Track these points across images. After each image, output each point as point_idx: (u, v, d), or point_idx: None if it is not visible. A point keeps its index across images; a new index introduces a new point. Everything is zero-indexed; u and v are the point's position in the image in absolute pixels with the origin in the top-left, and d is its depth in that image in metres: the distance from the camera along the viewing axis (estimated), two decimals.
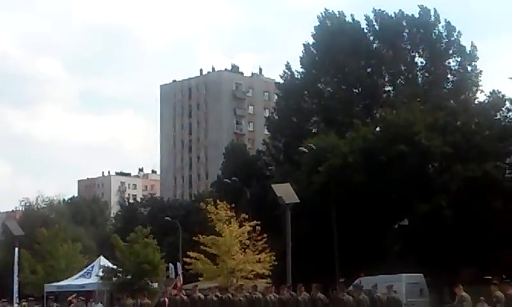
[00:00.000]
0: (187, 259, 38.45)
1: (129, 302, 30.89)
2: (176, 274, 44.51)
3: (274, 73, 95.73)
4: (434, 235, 42.73)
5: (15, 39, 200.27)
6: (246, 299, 26.14)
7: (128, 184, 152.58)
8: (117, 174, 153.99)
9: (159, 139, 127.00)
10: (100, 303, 32.37)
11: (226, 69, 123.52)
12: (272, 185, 33.83)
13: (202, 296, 27.00)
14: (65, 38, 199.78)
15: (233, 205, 38.65)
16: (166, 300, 28.06)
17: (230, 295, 26.67)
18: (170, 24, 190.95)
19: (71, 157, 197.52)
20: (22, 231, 47.71)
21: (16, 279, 41.63)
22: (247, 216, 37.78)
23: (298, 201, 31.53)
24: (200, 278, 38.77)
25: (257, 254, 36.88)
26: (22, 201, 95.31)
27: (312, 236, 44.82)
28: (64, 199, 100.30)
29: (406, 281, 34.39)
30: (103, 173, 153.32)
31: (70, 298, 38.58)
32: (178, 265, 42.27)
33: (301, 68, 62.50)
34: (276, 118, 65.93)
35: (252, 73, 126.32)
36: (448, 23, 59.67)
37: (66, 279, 41.67)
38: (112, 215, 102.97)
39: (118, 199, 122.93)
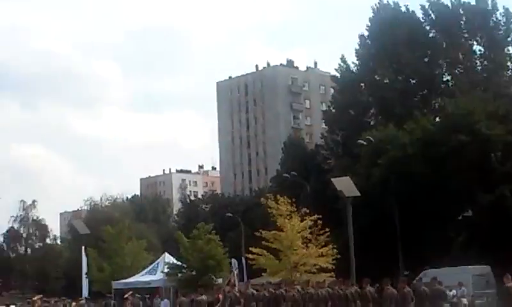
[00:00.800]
0: (250, 255, 38.89)
1: (183, 300, 31.59)
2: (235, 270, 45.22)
3: (330, 67, 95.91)
4: (499, 225, 42.10)
5: (75, 41, 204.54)
6: (299, 293, 26.43)
7: (189, 181, 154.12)
8: (178, 171, 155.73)
9: (217, 135, 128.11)
10: (166, 300, 33.06)
11: (281, 64, 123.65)
12: (332, 179, 33.91)
13: (255, 292, 27.53)
14: (123, 40, 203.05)
15: (293, 200, 38.85)
16: (220, 296, 28.80)
17: (283, 291, 26.99)
18: (223, 21, 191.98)
19: (132, 156, 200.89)
20: (87, 230, 49.11)
21: (84, 276, 42.90)
22: (308, 210, 37.98)
23: (358, 194, 31.51)
24: (263, 273, 39.16)
25: (320, 248, 37.04)
26: (87, 200, 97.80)
27: (373, 229, 44.76)
28: (127, 198, 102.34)
29: (473, 272, 34.14)
30: (164, 170, 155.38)
31: (126, 295, 39.52)
32: (234, 261, 42.74)
33: (357, 60, 62.32)
34: (333, 111, 65.81)
35: (307, 67, 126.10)
36: (506, 9, 58.70)
37: (133, 276, 42.56)
38: (174, 213, 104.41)
39: (180, 197, 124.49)
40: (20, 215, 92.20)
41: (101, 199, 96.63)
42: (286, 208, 37.89)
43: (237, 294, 28.32)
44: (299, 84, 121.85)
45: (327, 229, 36.84)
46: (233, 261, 44.68)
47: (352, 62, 62.62)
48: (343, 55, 63.27)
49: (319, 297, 25.75)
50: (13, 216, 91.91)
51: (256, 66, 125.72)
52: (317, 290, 26.01)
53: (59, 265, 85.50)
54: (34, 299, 38.69)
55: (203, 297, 30.02)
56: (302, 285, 27.95)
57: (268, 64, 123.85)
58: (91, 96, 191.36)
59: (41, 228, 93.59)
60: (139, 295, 37.37)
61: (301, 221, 37.57)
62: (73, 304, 38.41)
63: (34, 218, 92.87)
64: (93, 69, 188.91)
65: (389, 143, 47.13)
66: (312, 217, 37.28)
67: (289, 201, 38.38)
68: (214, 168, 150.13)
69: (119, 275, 43.60)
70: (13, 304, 37.88)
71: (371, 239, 43.38)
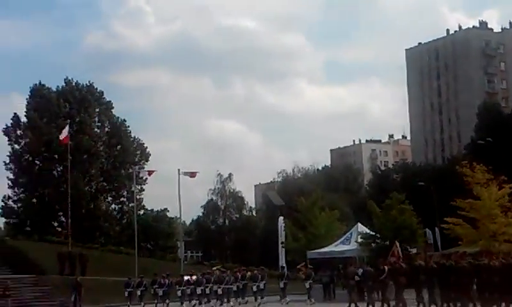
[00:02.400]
0: (445, 225, 37.97)
1: (351, 270, 31.80)
2: (435, 239, 44.33)
3: None
4: None
5: (260, 16, 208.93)
6: (470, 265, 25.52)
7: (380, 151, 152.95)
8: (367, 141, 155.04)
9: (407, 103, 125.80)
10: (360, 269, 33.10)
11: (474, 26, 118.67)
12: None
13: (422, 263, 27.04)
14: (307, 12, 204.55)
15: (490, 167, 37.34)
16: (386, 268, 28.40)
17: (453, 262, 26.00)
18: None
19: (320, 127, 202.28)
20: (282, 201, 50.41)
21: (280, 246, 44.09)
22: (506, 178, 36.37)
23: None
24: (459, 242, 38.11)
25: None
26: (280, 172, 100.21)
27: None
28: (318, 169, 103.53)
29: None
30: (354, 141, 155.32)
31: (298, 266, 40.08)
32: (428, 231, 41.87)
33: None
34: None
35: (502, 29, 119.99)
36: None
37: (327, 246, 43.06)
38: (365, 183, 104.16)
39: (370, 166, 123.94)
40: (218, 187, 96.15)
41: (293, 170, 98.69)
42: (482, 176, 36.54)
43: (403, 265, 28.10)
44: (493, 46, 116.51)
45: None
46: (428, 231, 43.88)
47: None
48: None
49: (492, 268, 24.79)
50: (211, 189, 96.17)
51: (447, 30, 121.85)
52: (489, 261, 25.07)
53: (255, 235, 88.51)
54: (213, 269, 40.68)
55: (370, 268, 30.45)
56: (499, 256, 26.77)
57: (460, 28, 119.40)
58: (279, 70, 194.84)
59: (237, 199, 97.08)
60: (311, 266, 38.02)
61: (499, 189, 36.06)
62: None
63: (231, 190, 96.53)
64: (280, 42, 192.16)
65: None
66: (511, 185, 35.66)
67: (486, 168, 36.95)
68: (404, 137, 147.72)
69: (313, 245, 44.26)
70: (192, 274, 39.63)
71: None
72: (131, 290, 39.38)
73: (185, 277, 39.06)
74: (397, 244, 34.56)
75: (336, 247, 41.93)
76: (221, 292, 36.33)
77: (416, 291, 26.67)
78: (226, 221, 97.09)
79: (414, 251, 39.88)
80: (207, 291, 36.82)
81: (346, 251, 40.49)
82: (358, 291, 31.19)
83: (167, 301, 37.64)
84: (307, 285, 35.56)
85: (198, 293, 37.12)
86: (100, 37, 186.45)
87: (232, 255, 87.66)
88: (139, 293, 39.03)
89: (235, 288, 36.99)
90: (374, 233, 40.80)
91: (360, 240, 40.73)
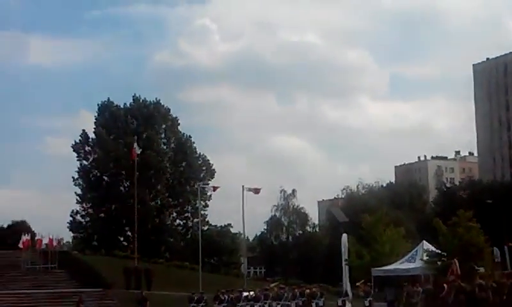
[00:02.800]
0: None
1: (411, 289, 32.69)
2: (504, 258, 43.33)
3: None
4: None
5: (324, 31, 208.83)
6: None
7: (445, 167, 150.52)
8: (433, 158, 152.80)
9: (474, 119, 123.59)
10: (420, 288, 32.69)
11: None
12: None
13: (483, 283, 27.17)
14: (371, 27, 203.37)
15: None
16: (446, 285, 29.14)
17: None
18: (475, 1, 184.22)
19: (386, 143, 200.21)
20: (346, 218, 50.08)
21: (344, 263, 43.76)
22: None
23: None
24: None
25: None
26: (344, 189, 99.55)
27: None
28: (382, 185, 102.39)
29: None
30: (419, 157, 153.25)
31: (358, 283, 39.84)
32: (495, 249, 40.95)
33: None
34: None
35: None
36: None
37: (392, 263, 42.53)
38: (430, 200, 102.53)
39: (435, 183, 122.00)
40: (281, 204, 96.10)
41: (357, 187, 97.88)
42: None
43: (462, 284, 28.52)
44: None
45: None
46: (495, 249, 42.90)
47: None
48: None
49: None
50: (275, 205, 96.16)
51: None
52: None
53: (319, 252, 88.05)
54: (272, 285, 40.81)
55: (430, 286, 31.10)
56: None
57: None
58: (342, 86, 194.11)
59: (301, 215, 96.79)
60: (370, 284, 38.37)
61: None
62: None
63: (295, 206, 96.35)
64: (344, 57, 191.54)
65: None
66: None
67: None
68: (471, 153, 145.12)
69: (378, 262, 43.75)
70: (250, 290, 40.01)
71: None
72: (194, 305, 39.80)
73: (244, 294, 39.24)
74: (456, 262, 33.97)
75: (401, 265, 41.33)
76: None
77: None
78: (290, 237, 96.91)
79: (481, 269, 39.11)
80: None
81: (411, 269, 39.89)
82: None
83: None
84: (367, 303, 36.62)
85: None
86: (167, 55, 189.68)
87: (295, 271, 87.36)
88: None
89: (293, 305, 37.28)
90: (439, 251, 40.10)
91: (425, 257, 40.09)
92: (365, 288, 38.59)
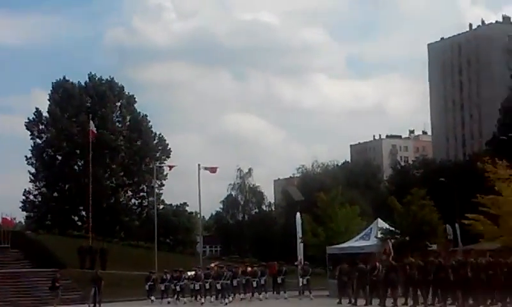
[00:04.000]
0: (466, 221, 37.69)
1: (344, 267, 34.13)
2: (455, 235, 44.03)
3: None
4: None
5: (280, 10, 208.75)
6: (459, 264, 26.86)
7: (400, 146, 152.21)
8: (388, 137, 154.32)
9: (428, 99, 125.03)
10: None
11: (497, 21, 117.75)
12: None
13: (418, 261, 28.58)
14: (328, 6, 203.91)
15: None
16: (377, 264, 30.58)
17: (441, 260, 27.78)
18: None
19: (341, 123, 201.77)
20: (302, 196, 50.22)
21: (299, 241, 43.95)
22: None
23: None
24: (480, 239, 37.80)
25: None
26: (299, 168, 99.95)
27: None
28: (337, 164, 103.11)
29: None
30: (374, 136, 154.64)
31: (296, 263, 40.80)
32: (448, 227, 41.70)
33: None
34: None
35: None
36: None
37: (346, 241, 42.89)
38: (385, 178, 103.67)
39: (390, 162, 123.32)
40: (237, 183, 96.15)
41: (312, 166, 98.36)
42: (505, 172, 36.20)
43: (393, 263, 30.11)
44: None
45: None
46: (448, 227, 43.56)
47: None
48: None
49: (480, 266, 26.28)
50: (230, 184, 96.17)
51: (470, 25, 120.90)
52: (476, 259, 26.71)
53: (274, 231, 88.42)
54: (212, 265, 41.39)
55: (362, 265, 32.05)
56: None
57: (482, 23, 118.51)
58: (299, 65, 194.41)
59: (257, 194, 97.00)
60: (307, 262, 40.31)
61: None
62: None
63: (251, 185, 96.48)
64: (301, 38, 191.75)
65: None
66: None
67: (508, 164, 36.61)
68: (425, 133, 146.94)
69: (333, 240, 44.09)
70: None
71: None
72: (151, 283, 39.92)
73: (189, 273, 39.56)
74: (389, 242, 35.26)
75: (356, 243, 41.70)
76: (219, 287, 36.86)
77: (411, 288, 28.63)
78: (246, 216, 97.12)
79: (434, 247, 39.70)
80: (207, 286, 37.43)
81: (365, 247, 40.25)
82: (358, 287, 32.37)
83: (165, 296, 38.86)
84: (304, 281, 37.94)
85: (196, 288, 38.04)
86: (121, 32, 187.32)
87: (250, 250, 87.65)
88: (147, 287, 39.89)
89: (235, 283, 37.84)
90: (393, 229, 40.57)
91: (379, 235, 40.50)
92: (303, 267, 39.52)
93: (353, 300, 32.02)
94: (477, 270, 26.25)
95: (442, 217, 41.10)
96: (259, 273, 39.06)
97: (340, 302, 32.87)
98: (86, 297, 38.25)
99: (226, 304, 35.86)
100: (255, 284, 38.33)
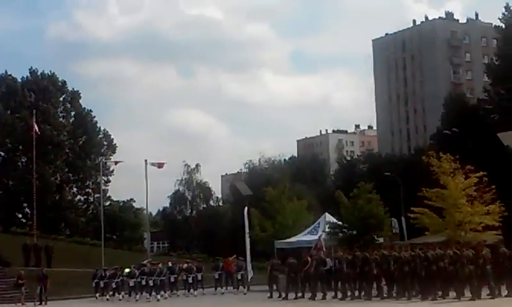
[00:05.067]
0: (411, 214, 38.23)
1: (275, 262, 35.57)
2: (401, 229, 44.66)
3: (493, 17, 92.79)
4: None
5: (225, 5, 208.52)
6: (383, 256, 28.84)
7: (346, 141, 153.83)
8: (334, 132, 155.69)
9: (373, 94, 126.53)
10: (328, 258, 33.52)
11: (440, 17, 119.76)
12: (499, 134, 32.47)
13: (349, 257, 29.98)
14: (273, 2, 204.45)
15: (456, 157, 37.63)
16: (309, 258, 32.16)
17: (367, 254, 29.47)
18: None
19: (287, 118, 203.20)
20: (250, 191, 50.21)
21: (247, 236, 43.97)
22: (472, 167, 36.66)
23: None
24: (426, 232, 38.39)
25: (486, 206, 35.74)
26: (246, 163, 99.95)
27: None
28: (285, 159, 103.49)
29: None
30: (320, 131, 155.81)
31: (230, 258, 41.39)
32: (394, 220, 42.39)
33: None
34: (497, 63, 62.87)
35: (467, 19, 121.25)
36: None
37: (294, 235, 43.08)
38: (331, 173, 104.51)
39: (337, 157, 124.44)
40: (185, 178, 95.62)
41: (259, 161, 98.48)
42: (449, 166, 36.82)
43: (322, 256, 32.28)
44: (459, 37, 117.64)
45: (492, 187, 35.47)
46: (394, 220, 44.17)
47: None
48: (508, 4, 60.24)
49: (402, 259, 28.02)
50: (178, 179, 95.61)
51: (414, 21, 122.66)
52: (400, 253, 28.55)
53: (223, 226, 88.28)
54: (145, 262, 41.50)
55: (293, 260, 33.38)
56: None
57: (426, 19, 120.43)
58: (244, 60, 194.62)
59: (205, 190, 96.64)
60: (241, 258, 41.35)
61: (465, 179, 36.38)
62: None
63: (198, 181, 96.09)
64: (245, 32, 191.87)
65: None
66: (477, 174, 35.95)
67: (452, 158, 37.25)
68: (370, 127, 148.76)
69: (281, 235, 44.25)
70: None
71: None
72: (97, 281, 39.59)
73: (126, 270, 39.49)
74: (321, 238, 37.33)
75: (304, 237, 41.92)
76: (152, 284, 37.12)
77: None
78: (193, 212, 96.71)
79: (381, 240, 40.17)
80: (143, 283, 37.49)
81: (313, 241, 40.47)
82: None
83: (105, 293, 38.92)
84: (238, 276, 39.20)
85: (130, 285, 38.00)
86: (63, 27, 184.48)
87: (198, 245, 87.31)
88: (93, 284, 39.76)
89: (172, 279, 38.54)
90: (341, 223, 40.93)
91: (327, 229, 40.81)
92: (237, 263, 39.87)
93: (284, 295, 32.95)
94: (400, 263, 28.07)
95: (388, 210, 41.66)
96: (194, 269, 39.43)
97: (271, 296, 33.75)
98: (31, 295, 37.55)
99: (158, 300, 36.18)
100: (190, 280, 38.75)
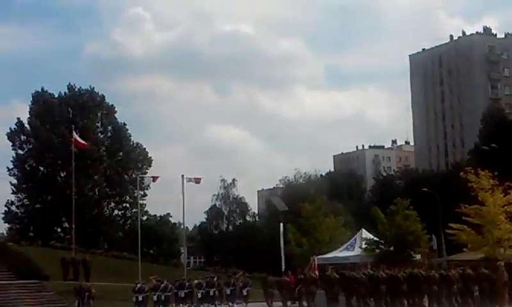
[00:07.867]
0: (450, 231, 37.88)
1: (271, 279, 36.15)
2: (440, 245, 44.26)
3: None
4: None
5: (259, 21, 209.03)
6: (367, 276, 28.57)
7: (383, 157, 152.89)
8: (371, 147, 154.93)
9: (410, 109, 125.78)
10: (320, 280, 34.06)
11: (477, 32, 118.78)
12: None
13: (337, 276, 29.49)
14: (307, 17, 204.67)
15: (495, 173, 37.23)
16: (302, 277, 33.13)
17: (363, 274, 28.91)
18: None
19: (322, 133, 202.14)
20: (285, 207, 50.27)
21: (282, 251, 43.99)
22: (511, 184, 36.23)
23: None
24: (464, 249, 38.00)
25: None
26: (282, 179, 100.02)
27: None
28: (321, 175, 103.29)
29: None
30: (357, 147, 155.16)
31: (237, 275, 41.18)
32: (433, 237, 41.95)
33: None
34: None
35: (506, 34, 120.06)
36: None
37: (330, 251, 42.96)
38: (368, 189, 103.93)
39: (373, 172, 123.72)
40: (222, 193, 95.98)
41: (295, 177, 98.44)
42: (487, 182, 36.44)
43: (313, 275, 32.68)
44: (497, 52, 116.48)
45: None
46: (433, 237, 43.81)
47: None
48: None
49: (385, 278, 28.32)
50: (214, 194, 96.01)
51: (451, 36, 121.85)
52: (390, 272, 28.94)
53: (259, 241, 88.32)
54: (151, 278, 41.20)
55: (285, 278, 35.00)
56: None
57: (463, 34, 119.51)
58: (278, 76, 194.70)
59: (241, 205, 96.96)
60: (248, 275, 42.30)
61: (504, 195, 35.96)
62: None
63: (234, 196, 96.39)
64: (280, 47, 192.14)
65: None
66: None
67: (490, 174, 36.86)
68: (407, 143, 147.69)
69: (317, 251, 44.15)
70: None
71: None
72: (137, 295, 39.58)
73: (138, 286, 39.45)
74: (315, 258, 37.82)
75: (341, 253, 41.83)
76: (155, 299, 37.65)
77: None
78: (230, 227, 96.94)
79: (418, 257, 39.86)
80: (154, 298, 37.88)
81: (350, 257, 40.38)
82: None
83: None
84: (244, 292, 38.31)
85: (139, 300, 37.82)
86: (100, 45, 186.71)
87: (235, 260, 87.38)
88: (134, 299, 39.21)
89: (181, 294, 38.59)
90: (377, 239, 40.70)
91: (364, 245, 40.63)
92: (243, 279, 39.59)
93: None
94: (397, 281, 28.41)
95: (426, 227, 41.31)
96: (204, 285, 39.12)
97: None
98: None
99: None
100: (199, 295, 38.61)
